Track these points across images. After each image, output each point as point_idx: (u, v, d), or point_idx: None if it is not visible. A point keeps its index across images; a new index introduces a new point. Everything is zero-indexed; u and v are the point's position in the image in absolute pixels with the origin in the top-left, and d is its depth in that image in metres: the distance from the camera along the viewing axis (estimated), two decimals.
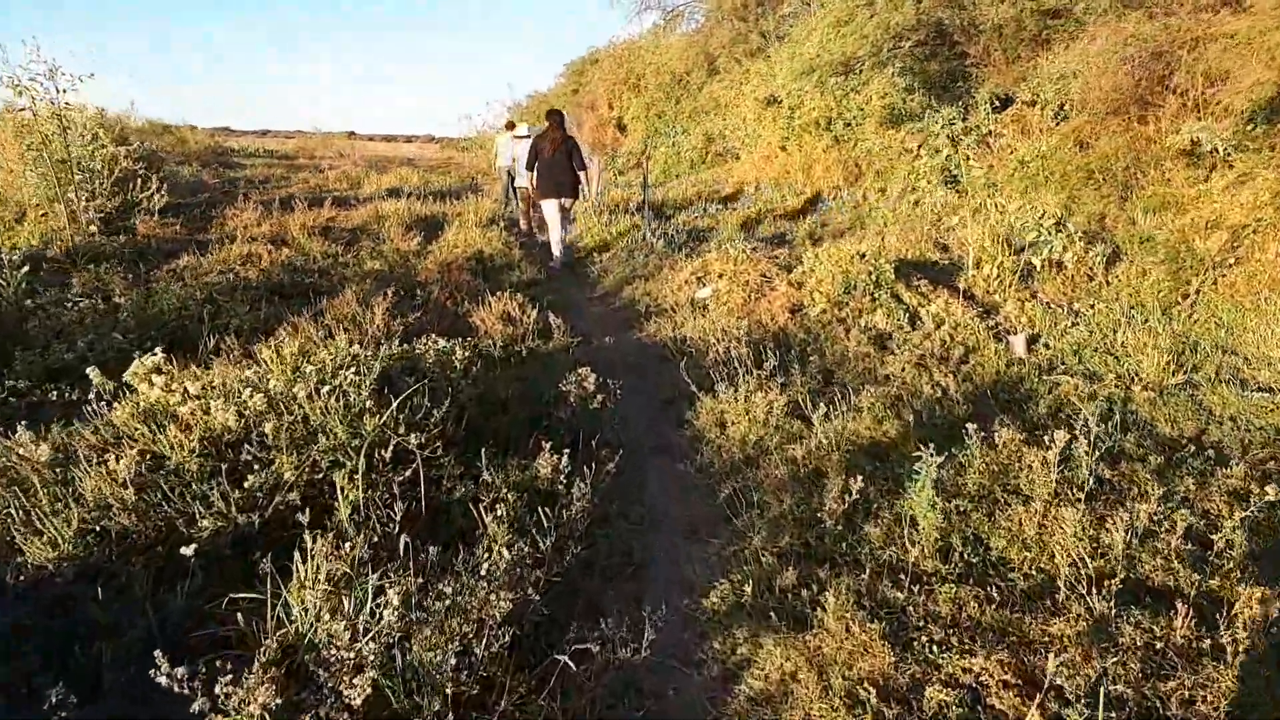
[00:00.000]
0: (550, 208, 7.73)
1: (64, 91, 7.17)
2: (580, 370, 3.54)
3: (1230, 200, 6.55)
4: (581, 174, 7.78)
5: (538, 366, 4.57)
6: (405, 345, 3.81)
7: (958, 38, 10.54)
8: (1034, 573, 2.59)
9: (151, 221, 7.72)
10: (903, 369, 4.57)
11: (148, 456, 2.74)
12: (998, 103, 11.44)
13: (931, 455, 2.78)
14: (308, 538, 2.19)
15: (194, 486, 2.58)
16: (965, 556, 2.66)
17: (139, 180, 8.88)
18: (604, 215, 9.68)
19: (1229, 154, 7.63)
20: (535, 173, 7.70)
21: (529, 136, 9.20)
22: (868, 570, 2.60)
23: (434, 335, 3.92)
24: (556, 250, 7.92)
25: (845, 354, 4.90)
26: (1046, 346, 5.17)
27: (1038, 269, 6.47)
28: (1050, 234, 6.41)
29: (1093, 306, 5.82)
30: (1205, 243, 5.94)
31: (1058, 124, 10.47)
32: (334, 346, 3.37)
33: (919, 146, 8.40)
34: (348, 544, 2.24)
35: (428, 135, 45.11)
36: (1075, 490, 2.95)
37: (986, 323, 5.46)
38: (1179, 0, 8.90)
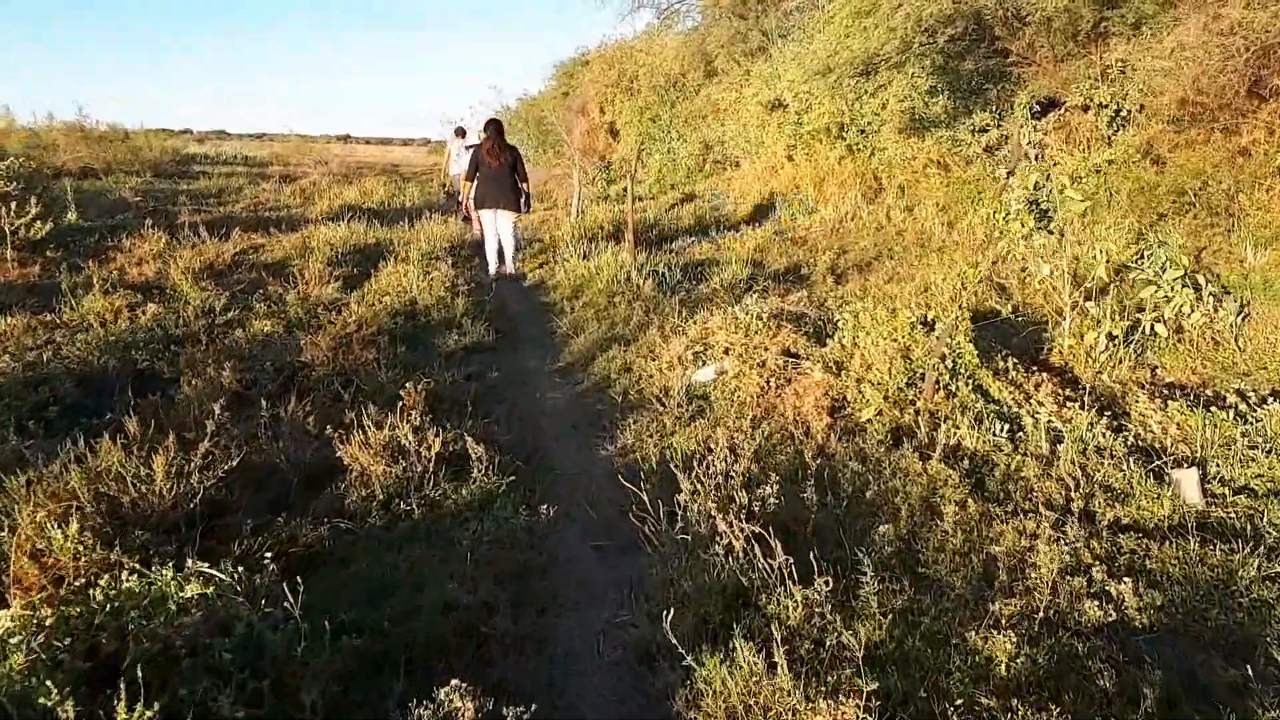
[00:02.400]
0: (489, 218, 7.25)
1: None
2: (451, 685, 1.60)
3: None
4: (524, 185, 7.30)
5: (433, 550, 2.63)
6: (133, 579, 1.87)
7: (999, 31, 8.55)
8: None
9: None
10: (1033, 545, 2.64)
11: None
12: (1037, 108, 9.49)
13: None
14: None
15: None
16: None
17: (13, 204, 6.94)
18: (582, 243, 7.72)
19: None
20: (475, 183, 7.24)
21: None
22: None
23: (202, 562, 1.98)
24: (492, 264, 7.44)
25: (930, 507, 2.97)
26: (1223, 484, 3.23)
27: (1157, 335, 4.53)
28: (1175, 287, 4.46)
29: (1247, 400, 3.85)
30: None
31: (1114, 133, 8.52)
32: None
33: (1008, 174, 6.42)
34: None
35: (423, 139, 43.18)
36: None
37: (1122, 435, 3.52)
38: None
